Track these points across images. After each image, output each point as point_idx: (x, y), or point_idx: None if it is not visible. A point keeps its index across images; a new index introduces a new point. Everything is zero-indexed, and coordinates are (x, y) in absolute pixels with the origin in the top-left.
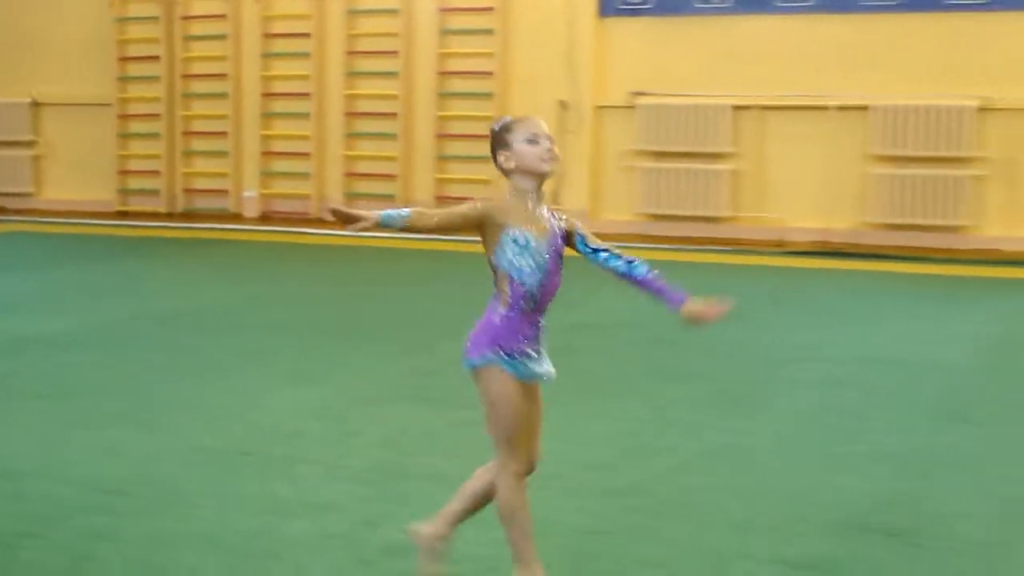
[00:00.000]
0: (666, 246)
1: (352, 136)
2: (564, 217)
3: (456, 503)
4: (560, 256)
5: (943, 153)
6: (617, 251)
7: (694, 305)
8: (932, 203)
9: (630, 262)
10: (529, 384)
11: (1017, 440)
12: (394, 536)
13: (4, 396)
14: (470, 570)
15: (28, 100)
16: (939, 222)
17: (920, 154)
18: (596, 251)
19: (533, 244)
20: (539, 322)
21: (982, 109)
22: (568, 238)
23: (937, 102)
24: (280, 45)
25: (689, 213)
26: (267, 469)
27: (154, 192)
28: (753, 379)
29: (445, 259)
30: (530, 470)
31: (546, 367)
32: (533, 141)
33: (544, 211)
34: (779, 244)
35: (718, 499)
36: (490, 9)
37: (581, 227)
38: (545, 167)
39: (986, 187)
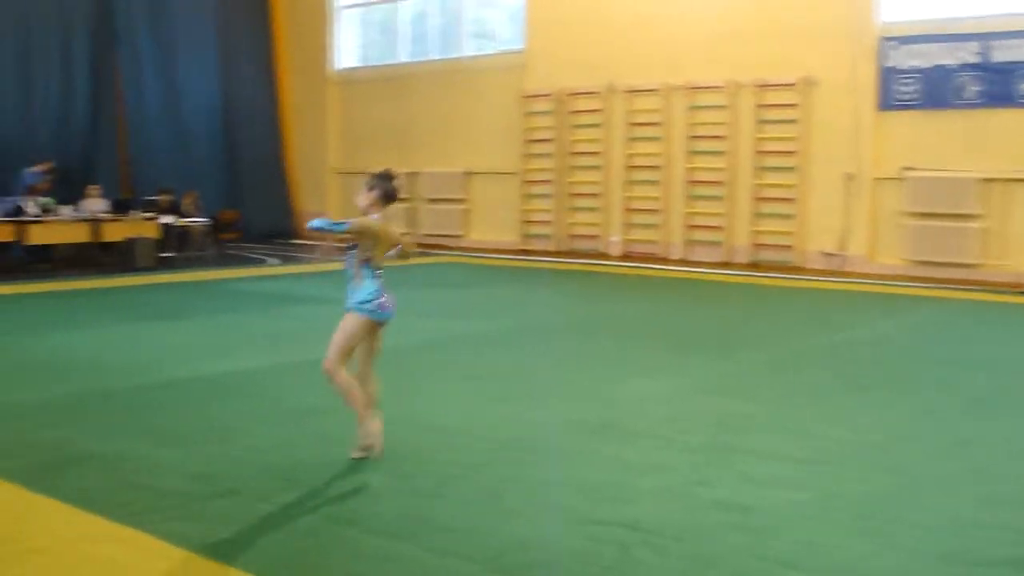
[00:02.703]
0: (927, 285)
1: (690, 198)
2: None
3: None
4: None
5: None
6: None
7: None
8: None
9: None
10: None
11: None
12: (719, 494)
13: (443, 376)
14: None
15: (462, 170)
16: None
17: None
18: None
19: None
20: None
21: None
22: None
23: None
24: (639, 131)
25: (946, 260)
26: (620, 438)
27: (546, 236)
28: (993, 388)
29: (745, 288)
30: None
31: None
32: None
33: None
34: (1016, 286)
35: (965, 478)
36: (795, 105)
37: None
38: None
39: None
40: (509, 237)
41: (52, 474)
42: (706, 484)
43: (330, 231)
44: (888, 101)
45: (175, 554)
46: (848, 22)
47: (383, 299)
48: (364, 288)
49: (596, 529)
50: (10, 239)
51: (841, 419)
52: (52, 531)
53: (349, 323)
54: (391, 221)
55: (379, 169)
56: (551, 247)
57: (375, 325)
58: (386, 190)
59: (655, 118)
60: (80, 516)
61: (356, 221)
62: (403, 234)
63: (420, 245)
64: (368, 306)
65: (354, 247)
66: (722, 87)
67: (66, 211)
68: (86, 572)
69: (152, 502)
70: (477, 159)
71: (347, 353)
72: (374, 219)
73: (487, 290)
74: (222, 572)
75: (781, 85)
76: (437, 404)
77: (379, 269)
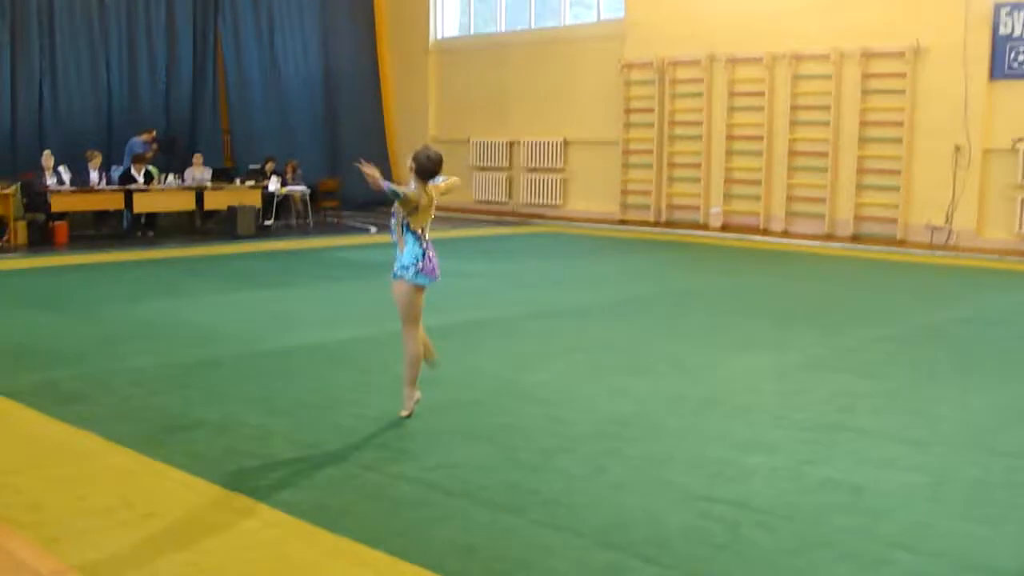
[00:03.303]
0: None
1: (792, 169)
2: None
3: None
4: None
5: None
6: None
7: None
8: None
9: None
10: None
11: None
12: (830, 473)
13: (545, 348)
14: None
15: (561, 139)
16: None
17: None
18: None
19: None
20: None
21: None
22: None
23: None
24: (740, 101)
25: None
26: (727, 414)
27: (645, 207)
28: None
29: (848, 261)
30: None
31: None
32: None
33: None
34: None
35: None
36: (902, 74)
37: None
38: None
39: None
40: (608, 207)
41: (166, 440)
42: (816, 463)
43: (391, 194)
44: (1001, 70)
45: (285, 522)
46: None
47: (423, 263)
48: (407, 252)
49: (705, 506)
50: (120, 207)
51: (953, 399)
52: (167, 497)
53: (400, 293)
54: (432, 186)
55: (421, 146)
56: (650, 217)
57: (420, 288)
58: (419, 164)
59: (757, 87)
60: (193, 482)
61: (405, 191)
62: (445, 186)
63: (518, 214)
64: (409, 272)
65: (394, 212)
66: (827, 56)
67: (170, 180)
68: (200, 538)
69: (262, 469)
70: (576, 128)
71: (414, 319)
72: (411, 189)
73: (587, 260)
74: (331, 541)
75: (888, 54)
76: (540, 376)
77: (421, 232)
